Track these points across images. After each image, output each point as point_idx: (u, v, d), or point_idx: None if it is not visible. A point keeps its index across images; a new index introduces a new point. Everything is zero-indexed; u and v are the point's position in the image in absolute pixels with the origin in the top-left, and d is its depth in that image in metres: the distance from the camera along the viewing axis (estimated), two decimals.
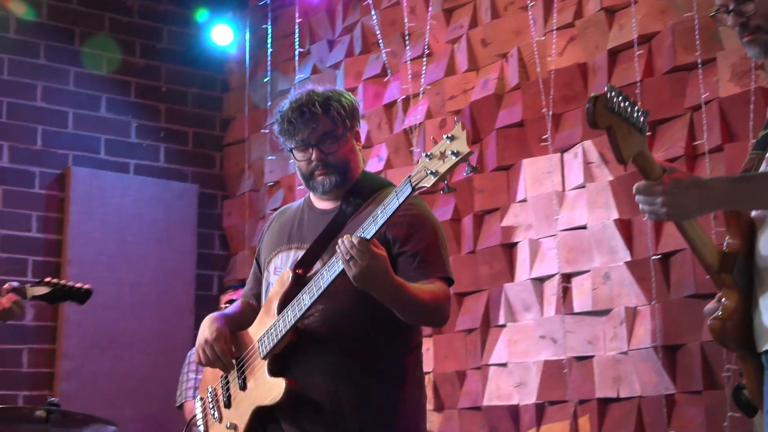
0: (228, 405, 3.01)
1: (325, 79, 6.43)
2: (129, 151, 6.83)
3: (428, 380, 5.30)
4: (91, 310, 5.63)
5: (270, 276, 3.06)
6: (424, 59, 5.62)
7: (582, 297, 4.59)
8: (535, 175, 4.93)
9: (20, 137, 6.37)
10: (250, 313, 3.12)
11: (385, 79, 5.97)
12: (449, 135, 2.43)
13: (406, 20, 5.74)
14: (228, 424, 2.96)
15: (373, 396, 2.84)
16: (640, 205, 2.25)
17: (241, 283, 4.32)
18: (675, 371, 4.17)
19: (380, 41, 5.93)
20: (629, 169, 4.28)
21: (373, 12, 5.96)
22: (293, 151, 3.00)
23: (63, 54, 6.64)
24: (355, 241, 2.56)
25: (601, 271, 4.52)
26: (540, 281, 4.84)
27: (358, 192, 2.98)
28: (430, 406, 5.26)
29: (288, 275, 2.89)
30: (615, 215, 4.50)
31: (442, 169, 2.42)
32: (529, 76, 5.07)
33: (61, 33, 6.66)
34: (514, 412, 4.84)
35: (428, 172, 2.44)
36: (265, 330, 2.88)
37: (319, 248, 2.91)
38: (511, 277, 4.99)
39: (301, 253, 2.95)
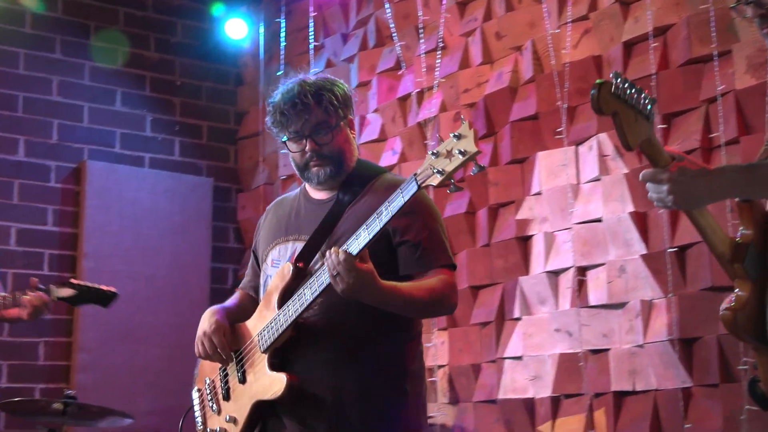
0: (227, 398, 2.99)
1: (339, 73, 6.44)
2: (144, 144, 6.85)
3: (443, 373, 5.31)
4: None
5: (268, 268, 3.03)
6: (438, 52, 5.62)
7: (597, 290, 4.58)
8: (549, 168, 4.93)
9: (36, 131, 6.39)
10: (249, 304, 3.11)
11: (399, 73, 5.97)
12: (456, 133, 2.41)
13: (420, 13, 5.74)
14: (227, 417, 2.95)
15: (374, 389, 2.83)
16: (648, 193, 2.25)
17: None
18: (691, 364, 4.16)
19: (394, 34, 5.93)
20: (644, 162, 4.26)
21: (386, 5, 5.96)
22: (287, 142, 2.97)
23: (78, 48, 6.65)
24: (341, 257, 2.54)
25: (616, 264, 4.51)
26: (555, 274, 4.83)
27: (354, 181, 2.96)
28: (444, 399, 5.28)
29: (288, 268, 2.87)
30: (630, 208, 4.49)
31: (449, 168, 2.40)
32: (544, 68, 5.06)
33: (77, 27, 6.68)
34: (529, 405, 4.84)
35: (434, 170, 2.42)
36: (265, 324, 2.86)
37: (318, 240, 2.88)
38: (526, 270, 4.99)
39: (299, 245, 2.93)
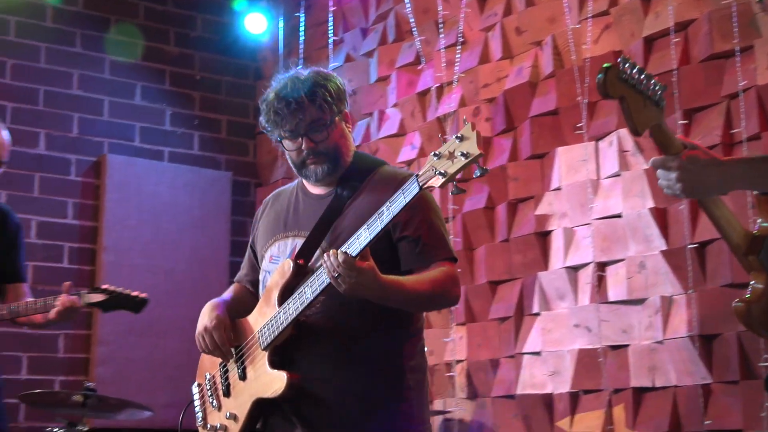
0: (227, 394, 2.97)
1: (359, 68, 6.46)
2: (163, 138, 6.87)
3: (461, 368, 5.31)
4: None
5: (267, 264, 3.00)
6: (458, 47, 5.61)
7: (617, 286, 4.57)
8: (569, 163, 4.92)
9: (57, 125, 6.42)
10: (248, 298, 3.10)
11: (419, 67, 5.96)
12: (459, 135, 2.37)
13: (440, 8, 5.73)
14: (228, 414, 2.93)
15: (376, 386, 2.82)
16: (659, 180, 2.23)
17: None
18: (711, 361, 4.15)
19: (414, 29, 5.92)
20: None
21: (406, 0, 5.95)
22: (282, 141, 2.93)
23: (98, 42, 6.68)
24: (340, 259, 2.52)
25: (636, 260, 4.50)
26: (574, 270, 4.83)
27: (353, 175, 2.93)
28: (462, 394, 5.28)
29: (289, 265, 2.84)
30: (650, 204, 4.48)
31: (451, 170, 2.37)
32: (564, 64, 5.05)
33: (97, 21, 6.70)
34: (547, 400, 4.84)
35: (436, 172, 2.39)
36: (266, 321, 2.84)
37: (318, 236, 2.86)
38: (545, 265, 4.98)
39: (298, 241, 2.91)
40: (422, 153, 5.74)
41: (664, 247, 4.39)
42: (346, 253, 2.53)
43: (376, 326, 2.82)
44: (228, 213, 6.85)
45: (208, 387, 3.05)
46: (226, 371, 2.99)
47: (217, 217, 6.80)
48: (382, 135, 6.15)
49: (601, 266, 4.67)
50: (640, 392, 4.42)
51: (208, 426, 3.02)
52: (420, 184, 2.45)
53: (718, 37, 4.30)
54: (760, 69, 4.12)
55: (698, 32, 4.41)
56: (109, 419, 5.22)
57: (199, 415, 3.08)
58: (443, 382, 5.41)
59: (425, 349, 3.01)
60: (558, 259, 4.90)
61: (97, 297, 3.83)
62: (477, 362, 5.25)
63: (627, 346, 4.49)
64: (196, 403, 3.11)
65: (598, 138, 4.80)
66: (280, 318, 2.78)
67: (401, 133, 6.05)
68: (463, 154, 2.35)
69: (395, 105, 6.13)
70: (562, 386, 4.77)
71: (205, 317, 2.96)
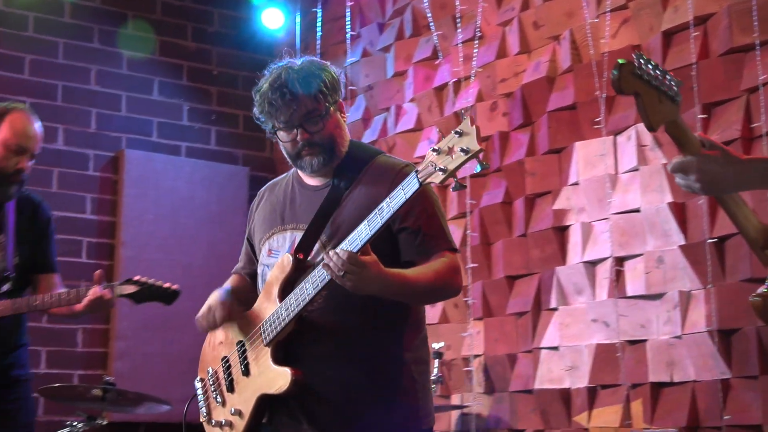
0: (231, 389, 2.96)
1: (375, 62, 6.46)
2: (181, 133, 6.89)
3: (478, 363, 5.31)
4: None
5: (265, 258, 2.98)
6: (476, 42, 5.60)
7: (635, 280, 4.56)
8: (587, 158, 4.90)
9: (75, 120, 6.45)
10: (248, 288, 3.09)
11: (436, 62, 5.96)
12: (458, 130, 2.36)
13: (457, 3, 5.72)
14: (233, 410, 2.92)
15: (381, 379, 2.81)
16: (676, 179, 2.23)
17: None
18: (730, 356, 4.13)
19: (431, 24, 5.92)
20: None
21: None
22: (277, 132, 2.91)
23: (116, 38, 6.70)
24: (344, 257, 2.51)
25: (654, 255, 4.49)
26: (592, 265, 4.82)
27: (349, 165, 2.91)
28: (480, 388, 5.28)
29: (288, 260, 2.83)
30: (669, 198, 4.47)
31: (451, 167, 2.36)
32: (582, 58, 5.04)
33: (115, 17, 6.73)
34: (565, 395, 4.83)
35: (436, 168, 2.38)
36: (267, 316, 2.83)
37: (317, 229, 2.84)
38: (562, 260, 4.97)
39: (297, 234, 2.89)
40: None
41: (683, 242, 4.37)
42: (348, 251, 2.53)
43: (377, 320, 2.82)
44: (245, 208, 6.83)
45: (211, 382, 3.04)
46: (229, 366, 2.98)
47: (234, 212, 6.81)
48: (399, 130, 6.15)
49: (619, 261, 4.66)
50: (658, 387, 4.41)
51: (213, 422, 3.01)
52: (420, 181, 2.44)
53: (737, 31, 4.28)
54: None
55: (718, 26, 4.39)
56: (127, 413, 5.25)
57: (203, 410, 3.07)
58: (461, 377, 5.41)
59: (427, 340, 3.00)
60: (576, 254, 4.89)
61: (129, 288, 3.82)
62: (494, 357, 5.25)
63: (645, 341, 4.48)
64: (200, 398, 3.10)
65: (617, 132, 4.79)
66: (281, 314, 2.78)
67: (418, 128, 6.05)
68: (462, 150, 2.34)
69: (412, 100, 6.13)
70: (579, 381, 4.76)
71: (211, 298, 2.97)
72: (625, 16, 4.86)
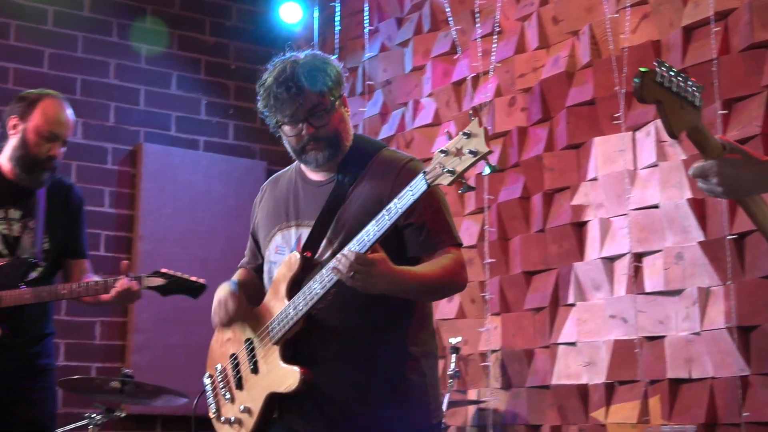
0: (239, 387, 2.96)
1: (394, 57, 6.45)
2: (199, 128, 6.91)
3: (495, 358, 5.31)
4: None
5: (271, 255, 2.97)
6: (495, 37, 5.60)
7: (654, 277, 4.55)
8: (606, 153, 4.89)
9: (93, 114, 6.47)
10: (255, 283, 3.08)
11: (455, 57, 5.95)
12: (466, 131, 2.35)
13: None
14: (242, 408, 2.92)
15: (389, 374, 2.81)
16: (698, 183, 2.23)
17: None
18: (749, 352, 4.12)
19: (450, 19, 5.91)
20: None
21: None
22: (281, 127, 2.89)
23: (135, 32, 6.72)
24: (352, 258, 2.51)
25: (673, 251, 4.47)
26: (610, 260, 4.81)
27: (353, 160, 2.89)
28: (497, 384, 5.28)
29: (295, 258, 2.82)
30: (688, 194, 4.45)
31: (460, 168, 2.35)
32: (602, 53, 5.02)
33: (133, 11, 6.74)
34: (582, 391, 4.83)
35: (444, 169, 2.37)
36: (275, 315, 2.83)
37: (323, 226, 2.83)
38: (580, 256, 4.96)
39: (303, 231, 2.88)
40: None
41: (702, 238, 4.36)
42: (355, 251, 2.52)
43: (384, 316, 2.81)
44: None
45: (220, 379, 3.03)
46: (237, 363, 2.97)
47: (252, 206, 6.80)
48: (417, 125, 6.15)
49: (638, 257, 4.65)
50: (676, 383, 4.40)
51: (223, 418, 3.00)
52: (428, 182, 2.43)
53: (758, 26, 4.26)
54: None
55: (738, 21, 4.37)
56: (145, 405, 5.26)
57: (213, 406, 3.06)
58: (478, 372, 5.41)
59: (435, 334, 3.00)
60: (594, 250, 4.88)
61: (157, 281, 3.81)
62: (512, 352, 5.25)
63: (663, 337, 4.47)
64: (209, 393, 3.09)
65: (636, 128, 4.78)
66: (289, 312, 2.78)
67: (436, 122, 6.04)
68: (471, 152, 2.33)
69: (430, 95, 6.13)
70: (597, 377, 4.75)
71: (220, 291, 2.95)
72: (644, 11, 4.84)
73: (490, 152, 2.33)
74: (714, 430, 4.23)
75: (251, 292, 3.02)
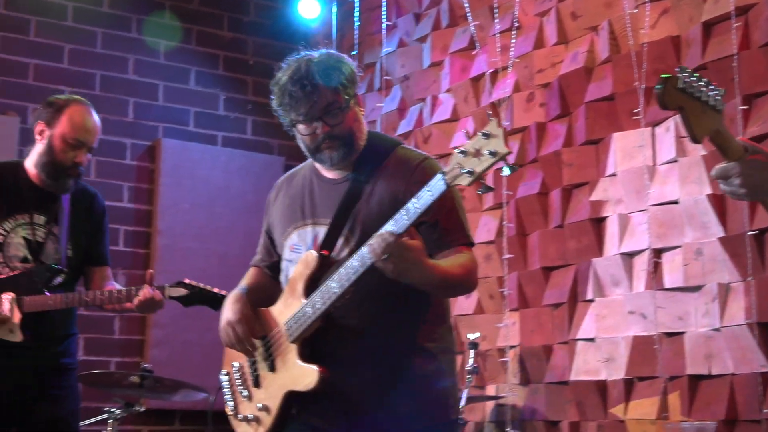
0: (257, 384, 2.96)
1: (411, 53, 6.45)
2: (217, 123, 6.94)
3: (514, 354, 5.31)
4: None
5: (287, 253, 2.96)
6: (513, 32, 5.59)
7: (673, 273, 4.53)
8: (625, 149, 4.88)
9: (112, 109, 6.49)
10: (268, 283, 3.08)
11: (473, 53, 5.95)
12: (485, 132, 2.33)
13: None
14: (259, 406, 2.92)
15: (408, 370, 2.81)
16: (720, 185, 2.23)
17: None
18: None
19: (468, 14, 5.90)
20: None
21: None
22: (296, 125, 2.87)
23: (153, 27, 6.74)
24: (390, 239, 2.49)
25: (693, 247, 4.46)
26: (629, 256, 4.80)
27: (368, 158, 2.89)
28: (515, 379, 5.27)
29: (313, 257, 2.82)
30: (708, 190, 4.43)
31: (479, 169, 2.34)
32: (621, 49, 5.00)
33: (152, 7, 6.77)
34: (601, 387, 4.82)
35: (463, 170, 2.36)
36: (292, 313, 2.82)
37: (339, 225, 2.83)
38: (599, 251, 4.95)
39: (319, 230, 2.88)
40: None
41: (722, 234, 4.34)
42: (394, 233, 2.51)
43: (401, 313, 2.81)
44: None
45: (237, 376, 3.03)
46: (254, 362, 2.97)
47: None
48: (435, 120, 6.15)
49: (657, 253, 4.63)
50: (696, 380, 4.39)
51: (240, 416, 3.01)
52: (447, 182, 2.42)
53: None
54: None
55: (759, 16, 4.34)
56: (164, 400, 5.29)
57: (231, 404, 3.06)
58: (496, 368, 5.41)
59: (452, 330, 2.99)
60: (613, 246, 4.87)
61: (180, 291, 3.81)
62: (530, 348, 5.24)
63: (683, 333, 4.45)
64: (226, 391, 3.09)
65: (655, 124, 4.76)
66: (307, 311, 2.77)
67: (454, 118, 6.04)
68: (490, 153, 2.32)
69: (448, 90, 6.12)
70: (616, 373, 4.74)
71: (228, 311, 2.93)
72: (664, 6, 4.82)
73: (509, 153, 2.32)
74: (734, 426, 4.21)
75: (262, 295, 3.01)
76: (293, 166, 3.22)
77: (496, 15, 5.70)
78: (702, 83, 2.18)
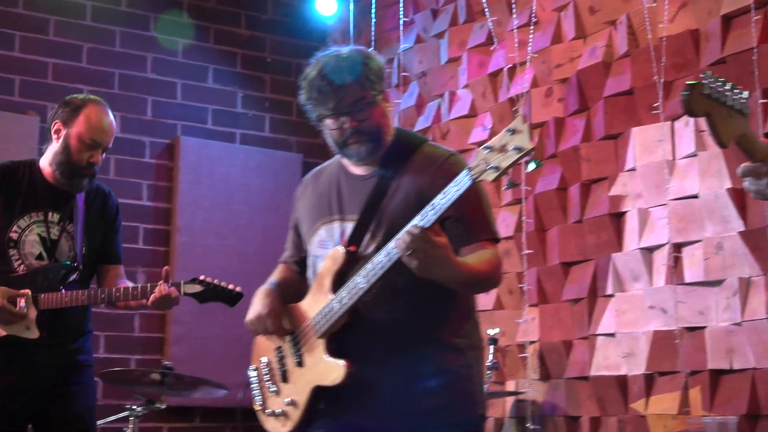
0: (285, 379, 2.97)
1: (429, 49, 6.44)
2: (235, 121, 6.95)
3: (533, 349, 5.30)
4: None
5: (315, 249, 2.98)
6: (531, 27, 5.57)
7: (693, 267, 4.52)
8: (644, 143, 4.86)
9: (131, 108, 6.52)
10: (296, 279, 3.10)
11: (491, 48, 5.94)
12: (510, 128, 2.35)
13: None
14: (287, 400, 2.93)
15: (435, 366, 2.81)
16: (746, 185, 2.23)
17: None
18: None
19: (486, 10, 5.89)
20: None
21: None
22: (324, 120, 2.89)
23: (172, 26, 6.76)
24: (416, 233, 2.49)
25: (713, 241, 4.44)
26: (649, 251, 4.78)
27: (395, 154, 2.90)
28: (535, 375, 5.27)
29: (340, 252, 2.83)
30: (728, 184, 4.41)
31: (504, 165, 2.36)
32: (639, 43, 4.99)
33: (170, 5, 6.79)
34: (622, 382, 4.81)
35: (489, 166, 2.38)
36: (320, 308, 2.84)
37: (367, 220, 2.84)
38: (619, 246, 4.94)
39: (346, 225, 2.89)
40: (494, 134, 5.69)
41: (742, 228, 4.32)
42: (421, 227, 2.51)
43: (428, 308, 2.82)
44: None
45: (265, 371, 3.05)
46: (282, 357, 2.99)
47: (289, 198, 6.64)
48: (453, 116, 6.14)
49: (677, 247, 4.62)
50: (717, 374, 4.37)
51: (268, 411, 3.02)
52: (473, 178, 2.44)
53: None
54: None
55: None
56: (185, 397, 5.31)
57: (259, 398, 3.08)
58: (516, 364, 5.41)
59: (479, 326, 2.99)
60: (632, 240, 4.86)
61: (195, 288, 3.83)
62: (550, 343, 5.23)
63: (704, 327, 4.44)
64: (254, 386, 3.11)
65: (674, 118, 4.74)
66: (334, 306, 2.78)
67: (472, 114, 6.03)
68: (516, 149, 2.34)
69: (466, 86, 6.11)
70: (636, 368, 4.73)
71: (258, 304, 2.96)
72: (683, 0, 4.80)
73: (534, 149, 2.34)
74: (756, 421, 4.20)
75: (291, 290, 3.03)
76: (311, 163, 3.24)
77: (514, 10, 5.69)
78: (727, 88, 2.19)
